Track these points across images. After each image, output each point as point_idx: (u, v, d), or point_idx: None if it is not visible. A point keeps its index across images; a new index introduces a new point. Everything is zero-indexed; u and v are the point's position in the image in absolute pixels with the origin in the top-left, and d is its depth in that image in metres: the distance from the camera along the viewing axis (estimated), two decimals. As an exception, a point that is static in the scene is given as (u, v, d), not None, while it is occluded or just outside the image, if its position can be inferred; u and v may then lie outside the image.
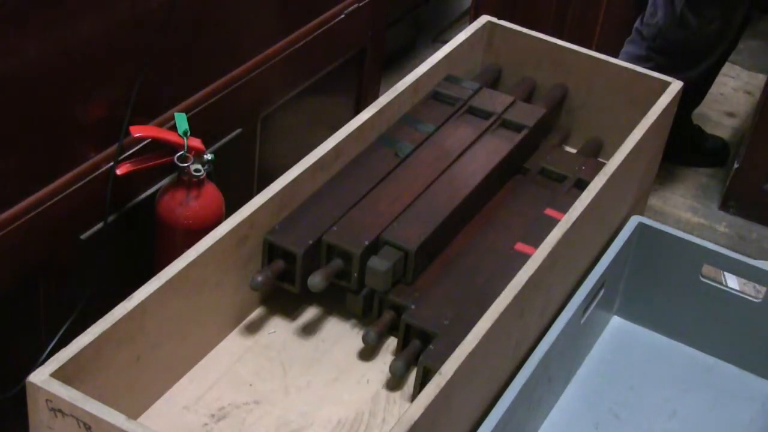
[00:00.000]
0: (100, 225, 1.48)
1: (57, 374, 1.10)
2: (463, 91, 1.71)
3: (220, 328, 1.39)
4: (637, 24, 2.40)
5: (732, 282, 1.88)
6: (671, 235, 1.61)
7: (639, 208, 1.79)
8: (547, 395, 1.47)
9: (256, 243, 1.38)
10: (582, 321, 1.49)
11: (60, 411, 1.08)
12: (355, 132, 1.53)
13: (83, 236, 1.47)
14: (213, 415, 1.29)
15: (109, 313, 1.17)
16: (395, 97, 1.62)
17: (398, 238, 1.41)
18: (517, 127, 1.66)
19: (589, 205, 1.45)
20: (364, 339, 1.37)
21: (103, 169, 1.47)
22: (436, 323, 1.34)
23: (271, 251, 1.39)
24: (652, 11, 2.34)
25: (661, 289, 1.64)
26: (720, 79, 3.05)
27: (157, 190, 1.55)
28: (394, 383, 1.37)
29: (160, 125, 1.55)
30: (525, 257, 1.38)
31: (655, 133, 1.66)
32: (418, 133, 1.61)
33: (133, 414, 1.24)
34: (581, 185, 1.58)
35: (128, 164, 1.48)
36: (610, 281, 1.57)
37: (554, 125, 1.83)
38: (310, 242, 1.39)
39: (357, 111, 1.59)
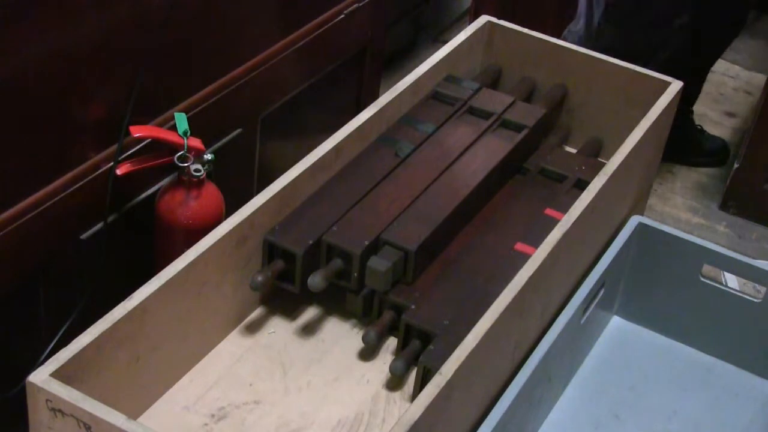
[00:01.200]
0: (100, 225, 1.48)
1: (57, 374, 1.10)
2: (463, 91, 1.71)
3: (220, 328, 1.39)
4: (565, 31, 2.30)
5: (732, 282, 1.88)
6: (671, 235, 1.61)
7: (639, 208, 1.79)
8: (547, 395, 1.47)
9: (256, 243, 1.38)
10: (582, 321, 1.49)
11: (60, 411, 1.08)
12: (355, 132, 1.53)
13: (83, 236, 1.47)
14: (213, 415, 1.29)
15: (109, 313, 1.17)
16: (395, 97, 1.62)
17: (398, 238, 1.41)
18: (517, 127, 1.66)
19: (589, 205, 1.45)
20: (364, 339, 1.37)
21: (103, 169, 1.47)
22: (436, 323, 1.34)
23: (271, 251, 1.39)
24: (576, 19, 2.26)
25: (661, 289, 1.64)
26: (720, 78, 3.05)
27: (157, 190, 1.55)
28: (394, 383, 1.37)
29: (160, 125, 1.55)
30: (525, 257, 1.38)
31: (655, 133, 1.66)
32: (418, 133, 1.61)
33: (133, 414, 1.24)
34: (581, 185, 1.58)
35: (128, 164, 1.48)
36: (610, 281, 1.57)
37: (554, 125, 1.83)
38: (310, 242, 1.39)
39: (357, 111, 1.59)
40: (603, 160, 1.66)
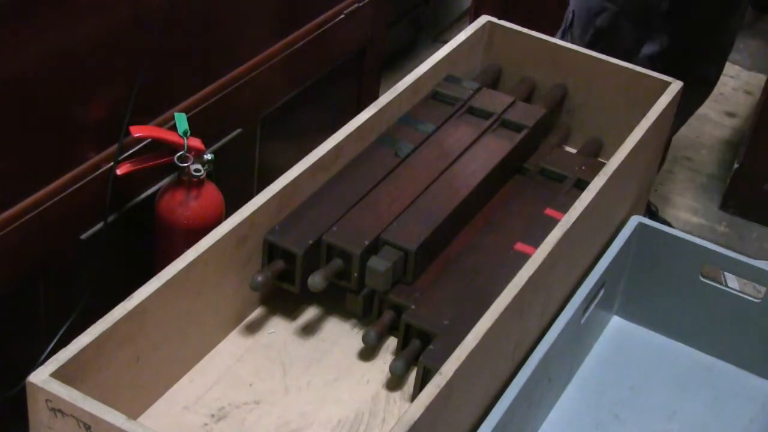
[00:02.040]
0: (100, 225, 1.48)
1: (57, 374, 1.10)
2: (463, 91, 1.71)
3: (220, 328, 1.39)
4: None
5: (732, 282, 1.88)
6: (671, 235, 1.61)
7: (639, 208, 1.79)
8: (547, 395, 1.47)
9: (256, 243, 1.38)
10: (582, 321, 1.49)
11: (60, 411, 1.08)
12: (355, 132, 1.53)
13: (83, 236, 1.47)
14: (213, 415, 1.29)
15: (109, 313, 1.17)
16: (395, 97, 1.62)
17: (398, 238, 1.41)
18: (517, 127, 1.66)
19: (589, 205, 1.45)
20: (364, 339, 1.37)
21: (103, 169, 1.47)
22: (436, 323, 1.34)
23: (271, 251, 1.39)
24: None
25: (661, 289, 1.64)
26: (720, 78, 3.05)
27: (157, 190, 1.55)
28: (394, 383, 1.37)
29: (160, 125, 1.55)
30: (525, 257, 1.38)
31: (655, 133, 1.66)
32: (418, 133, 1.61)
33: (133, 414, 1.24)
34: (581, 185, 1.57)
35: (128, 164, 1.48)
36: (610, 281, 1.57)
37: (554, 125, 1.83)
38: (310, 242, 1.39)
39: (357, 111, 1.59)
40: (603, 160, 1.66)
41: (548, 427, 1.48)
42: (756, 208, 2.53)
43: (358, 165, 1.54)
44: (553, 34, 1.86)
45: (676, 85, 1.71)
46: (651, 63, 2.02)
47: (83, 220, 1.47)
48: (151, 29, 1.47)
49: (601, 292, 1.54)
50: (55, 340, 1.43)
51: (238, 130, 1.73)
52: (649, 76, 1.75)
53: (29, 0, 1.28)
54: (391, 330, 1.41)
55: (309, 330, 1.44)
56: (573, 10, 2.18)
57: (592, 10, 2.12)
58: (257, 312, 1.45)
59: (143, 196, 1.56)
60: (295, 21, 1.83)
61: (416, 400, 1.13)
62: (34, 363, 1.38)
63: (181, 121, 1.49)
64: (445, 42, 1.80)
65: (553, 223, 1.44)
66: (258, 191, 1.39)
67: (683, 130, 2.82)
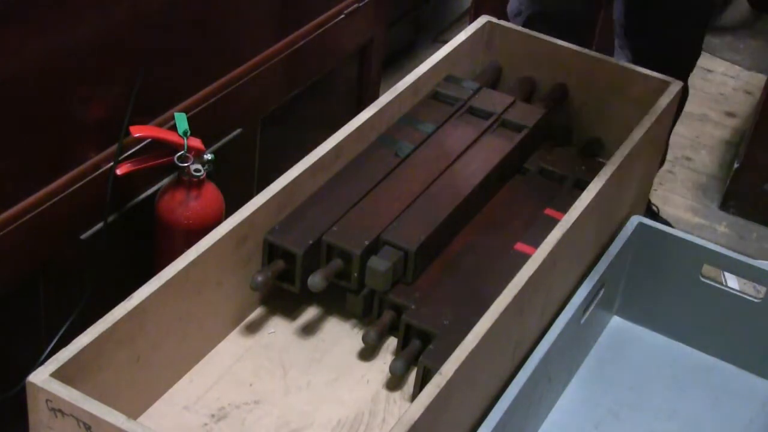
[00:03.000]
0: (100, 225, 1.48)
1: (57, 374, 1.10)
2: (463, 91, 1.71)
3: (220, 328, 1.39)
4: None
5: (732, 282, 1.88)
6: (671, 235, 1.62)
7: (639, 208, 1.79)
8: (547, 395, 1.47)
9: (256, 243, 1.38)
10: (582, 321, 1.49)
11: (60, 411, 1.08)
12: (355, 132, 1.53)
13: (83, 236, 1.47)
14: (213, 415, 1.29)
15: (109, 313, 1.17)
16: (395, 97, 1.62)
17: (398, 238, 1.41)
18: (517, 127, 1.66)
19: (589, 205, 1.45)
20: (364, 339, 1.37)
21: (103, 169, 1.47)
22: (436, 323, 1.34)
23: (271, 251, 1.39)
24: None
25: (661, 289, 1.64)
26: (720, 78, 3.05)
27: (157, 190, 1.55)
28: (394, 383, 1.37)
29: (160, 125, 1.55)
30: (525, 257, 1.38)
31: (655, 133, 1.66)
32: (418, 133, 1.61)
33: (133, 414, 1.24)
34: (581, 185, 1.58)
35: (128, 164, 1.48)
36: (610, 281, 1.57)
37: (554, 125, 1.83)
38: (310, 242, 1.39)
39: (357, 111, 1.59)
40: (603, 160, 1.66)
41: (548, 427, 1.48)
42: (756, 208, 2.52)
43: (358, 165, 1.54)
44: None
45: (675, 85, 1.72)
46: None
47: (83, 220, 1.47)
48: (151, 29, 1.47)
49: (601, 292, 1.54)
50: (55, 340, 1.43)
51: (238, 130, 1.73)
52: (649, 76, 1.75)
53: (29, 0, 1.27)
54: (391, 330, 1.41)
55: (309, 330, 1.44)
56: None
57: (513, 12, 2.14)
58: (257, 312, 1.45)
59: (143, 196, 1.56)
60: (295, 21, 1.83)
61: (416, 400, 1.14)
62: (34, 363, 1.38)
63: (181, 121, 1.49)
64: (445, 42, 1.80)
65: (553, 223, 1.44)
66: (258, 191, 1.39)
67: (683, 130, 2.83)
